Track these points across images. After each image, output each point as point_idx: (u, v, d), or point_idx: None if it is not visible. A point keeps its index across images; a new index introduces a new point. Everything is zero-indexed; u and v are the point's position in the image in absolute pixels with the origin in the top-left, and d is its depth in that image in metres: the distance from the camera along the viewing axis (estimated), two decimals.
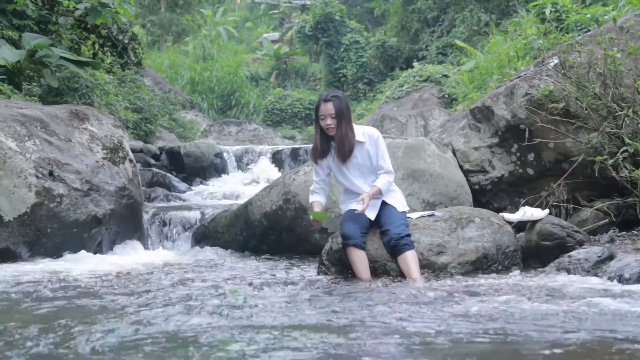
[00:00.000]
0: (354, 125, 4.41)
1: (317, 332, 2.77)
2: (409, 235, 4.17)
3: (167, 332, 2.72)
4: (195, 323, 2.89)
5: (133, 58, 11.33)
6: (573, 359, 2.32)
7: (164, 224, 6.30)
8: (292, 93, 26.80)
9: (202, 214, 6.45)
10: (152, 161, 10.78)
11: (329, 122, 4.30)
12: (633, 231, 4.95)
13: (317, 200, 4.46)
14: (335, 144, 4.37)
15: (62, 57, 8.17)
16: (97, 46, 10.56)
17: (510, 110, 5.66)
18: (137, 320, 2.96)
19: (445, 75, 18.13)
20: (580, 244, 4.44)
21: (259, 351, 2.42)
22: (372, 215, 4.33)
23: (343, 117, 4.30)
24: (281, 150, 12.04)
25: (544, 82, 5.51)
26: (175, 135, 14.81)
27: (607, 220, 5.12)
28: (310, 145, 4.58)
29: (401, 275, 4.11)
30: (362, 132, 4.42)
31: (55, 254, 5.24)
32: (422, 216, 4.50)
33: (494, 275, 4.16)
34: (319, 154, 4.45)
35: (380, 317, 3.01)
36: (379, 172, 4.42)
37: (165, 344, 2.54)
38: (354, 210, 4.30)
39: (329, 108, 4.29)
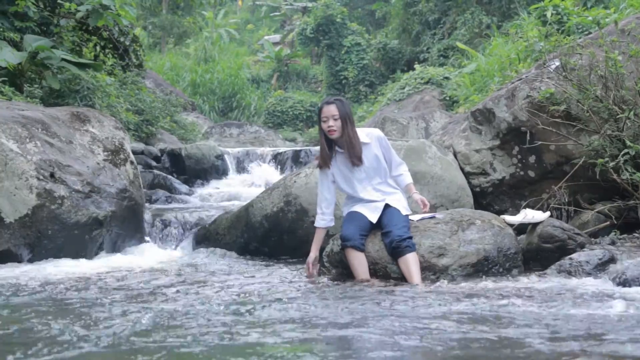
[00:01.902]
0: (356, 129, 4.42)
1: (315, 333, 2.76)
2: (411, 237, 4.16)
3: (168, 333, 2.72)
4: (194, 324, 2.89)
5: (134, 60, 11.35)
6: None
7: (165, 225, 6.29)
8: (293, 95, 26.83)
9: (203, 215, 6.45)
10: (153, 163, 10.79)
11: (331, 124, 4.29)
12: (634, 234, 4.95)
13: (321, 227, 4.52)
14: (345, 149, 4.35)
15: (63, 59, 8.18)
16: (98, 48, 10.58)
17: (511, 112, 5.66)
18: (136, 320, 2.95)
19: (447, 78, 18.13)
20: (582, 246, 4.43)
21: (259, 351, 2.42)
22: (374, 217, 4.33)
23: (348, 119, 4.30)
24: (282, 152, 12.04)
25: (545, 85, 5.51)
26: (176, 137, 14.82)
27: (608, 222, 5.12)
28: (311, 147, 4.60)
29: (402, 277, 4.10)
30: (364, 134, 4.43)
31: (57, 255, 5.24)
32: (423, 218, 4.49)
33: (495, 277, 4.15)
34: (324, 158, 4.43)
35: (379, 319, 3.00)
36: (394, 168, 4.52)
37: (165, 344, 2.54)
38: (358, 212, 4.34)
39: (331, 109, 4.29)
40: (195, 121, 19.14)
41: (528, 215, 4.65)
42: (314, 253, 4.50)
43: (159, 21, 28.96)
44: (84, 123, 6.07)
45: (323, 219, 4.51)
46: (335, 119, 4.29)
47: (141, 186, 6.30)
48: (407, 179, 4.55)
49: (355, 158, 4.34)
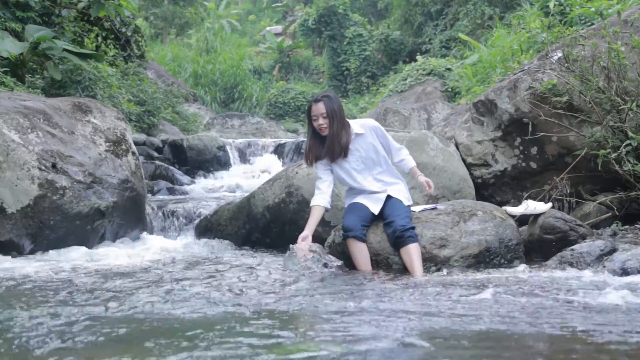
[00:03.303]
0: (349, 121, 4.41)
1: (313, 326, 2.77)
2: (413, 227, 4.17)
3: (169, 325, 2.73)
4: (195, 316, 2.90)
5: (136, 51, 11.33)
6: (575, 353, 2.32)
7: (166, 216, 6.30)
8: (295, 86, 26.81)
9: (205, 206, 6.46)
10: (155, 154, 10.81)
11: (321, 122, 4.31)
12: (636, 225, 4.95)
13: (318, 204, 4.38)
14: (326, 144, 4.37)
15: (65, 50, 8.17)
16: (100, 39, 10.57)
17: (513, 103, 5.65)
18: (139, 311, 2.96)
19: (449, 69, 18.10)
20: (583, 237, 4.44)
21: (259, 345, 2.43)
22: (376, 209, 4.33)
23: (335, 116, 4.30)
24: (284, 143, 12.04)
25: (547, 76, 5.50)
26: (178, 128, 14.83)
27: (609, 214, 5.12)
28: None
29: (404, 268, 4.11)
30: (358, 125, 4.43)
31: (58, 246, 5.25)
32: (425, 209, 4.50)
33: (496, 268, 4.16)
34: (312, 156, 4.44)
35: (379, 311, 3.01)
36: (395, 154, 4.53)
37: (167, 335, 2.55)
38: (359, 203, 4.34)
39: (319, 108, 4.31)
40: (197, 112, 19.14)
41: (530, 206, 4.66)
42: (307, 230, 4.30)
43: (160, 12, 28.93)
44: (86, 114, 6.07)
45: (321, 197, 4.38)
46: (324, 117, 4.30)
47: (143, 177, 6.31)
48: (410, 162, 4.55)
49: (330, 155, 4.35)
